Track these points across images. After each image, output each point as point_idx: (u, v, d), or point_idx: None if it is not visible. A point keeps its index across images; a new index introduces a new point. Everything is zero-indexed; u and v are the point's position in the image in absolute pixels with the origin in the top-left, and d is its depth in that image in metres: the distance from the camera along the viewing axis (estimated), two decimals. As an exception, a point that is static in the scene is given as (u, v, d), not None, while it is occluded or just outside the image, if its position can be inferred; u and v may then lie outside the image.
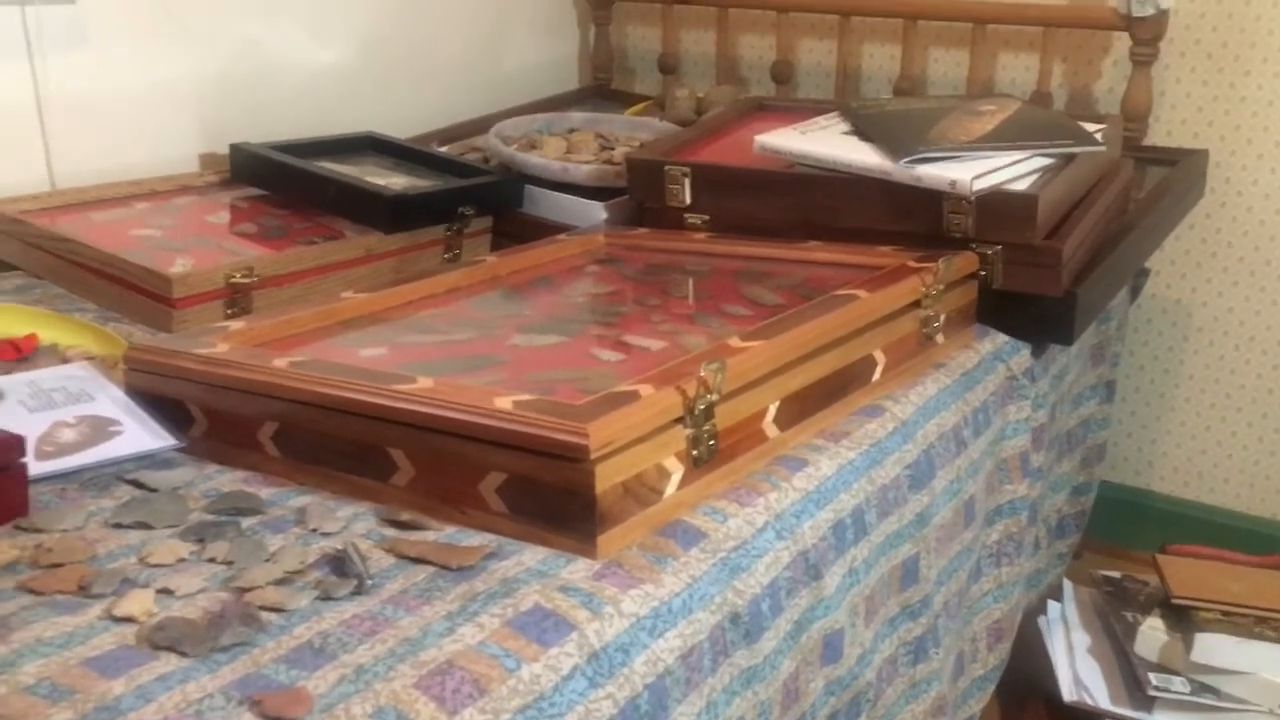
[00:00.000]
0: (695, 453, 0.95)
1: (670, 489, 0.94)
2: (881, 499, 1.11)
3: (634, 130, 1.94)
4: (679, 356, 1.05)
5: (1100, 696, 1.65)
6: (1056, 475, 1.68)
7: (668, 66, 2.38)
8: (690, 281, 1.43)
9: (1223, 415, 2.12)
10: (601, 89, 2.40)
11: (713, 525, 0.93)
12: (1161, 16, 1.88)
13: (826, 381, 1.13)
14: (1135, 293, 1.98)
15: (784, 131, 1.57)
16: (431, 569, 0.84)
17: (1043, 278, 1.37)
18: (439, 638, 0.75)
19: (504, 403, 0.90)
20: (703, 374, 0.94)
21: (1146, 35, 1.90)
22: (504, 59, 2.33)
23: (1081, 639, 1.77)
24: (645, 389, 0.93)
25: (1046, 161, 1.43)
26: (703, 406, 0.95)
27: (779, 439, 1.06)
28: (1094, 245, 1.49)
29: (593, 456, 0.84)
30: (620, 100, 2.30)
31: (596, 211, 1.64)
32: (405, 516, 0.92)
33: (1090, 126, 1.51)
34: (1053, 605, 1.84)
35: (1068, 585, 1.87)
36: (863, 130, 1.52)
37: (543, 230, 1.61)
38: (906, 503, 1.15)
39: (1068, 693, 1.67)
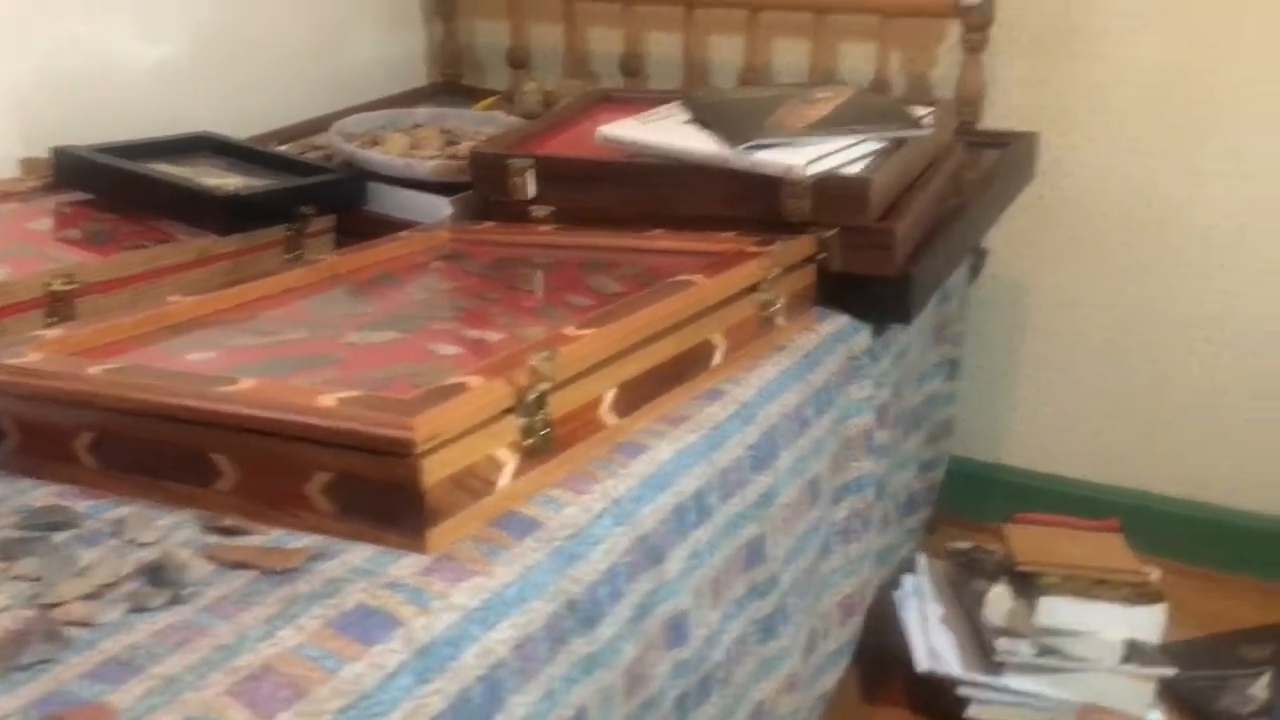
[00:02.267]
0: (529, 443, 0.95)
1: (504, 480, 0.93)
2: (724, 481, 1.12)
3: (480, 125, 1.92)
4: (515, 347, 1.05)
5: (952, 664, 1.71)
6: (904, 452, 1.72)
7: (517, 61, 2.36)
8: (535, 274, 1.43)
9: (1063, 389, 2.21)
10: (451, 85, 2.38)
11: (548, 514, 0.93)
12: (988, 4, 1.94)
13: (665, 367, 1.13)
14: (975, 272, 2.05)
15: (625, 122, 1.57)
16: (253, 574, 0.81)
17: (878, 258, 1.41)
18: (255, 643, 0.73)
19: (327, 401, 0.88)
20: (533, 363, 0.93)
21: (975, 22, 1.96)
22: (347, 55, 2.29)
23: (935, 610, 1.82)
24: (474, 380, 0.92)
25: (878, 146, 1.46)
26: (534, 396, 0.94)
27: (618, 426, 1.06)
28: (928, 226, 1.53)
29: (418, 450, 0.83)
30: (470, 96, 2.28)
31: (442, 207, 1.62)
32: (229, 522, 0.89)
33: (919, 111, 1.55)
34: (907, 579, 1.88)
35: (921, 558, 1.93)
36: (702, 119, 1.54)
37: (388, 228, 1.58)
38: (749, 484, 1.17)
39: (921, 662, 1.72)
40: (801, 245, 1.38)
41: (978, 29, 1.98)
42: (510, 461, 0.94)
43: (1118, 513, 2.05)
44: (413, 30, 2.46)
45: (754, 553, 1.18)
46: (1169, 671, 1.64)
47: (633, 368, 1.08)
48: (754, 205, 1.43)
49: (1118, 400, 2.17)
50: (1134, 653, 1.64)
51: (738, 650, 1.17)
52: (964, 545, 1.91)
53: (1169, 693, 1.77)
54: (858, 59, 2.19)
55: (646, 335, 1.10)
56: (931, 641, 1.75)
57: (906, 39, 2.15)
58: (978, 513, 2.18)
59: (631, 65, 2.26)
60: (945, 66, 2.13)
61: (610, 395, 1.05)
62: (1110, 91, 2.03)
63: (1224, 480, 2.12)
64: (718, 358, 1.22)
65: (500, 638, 0.82)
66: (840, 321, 1.45)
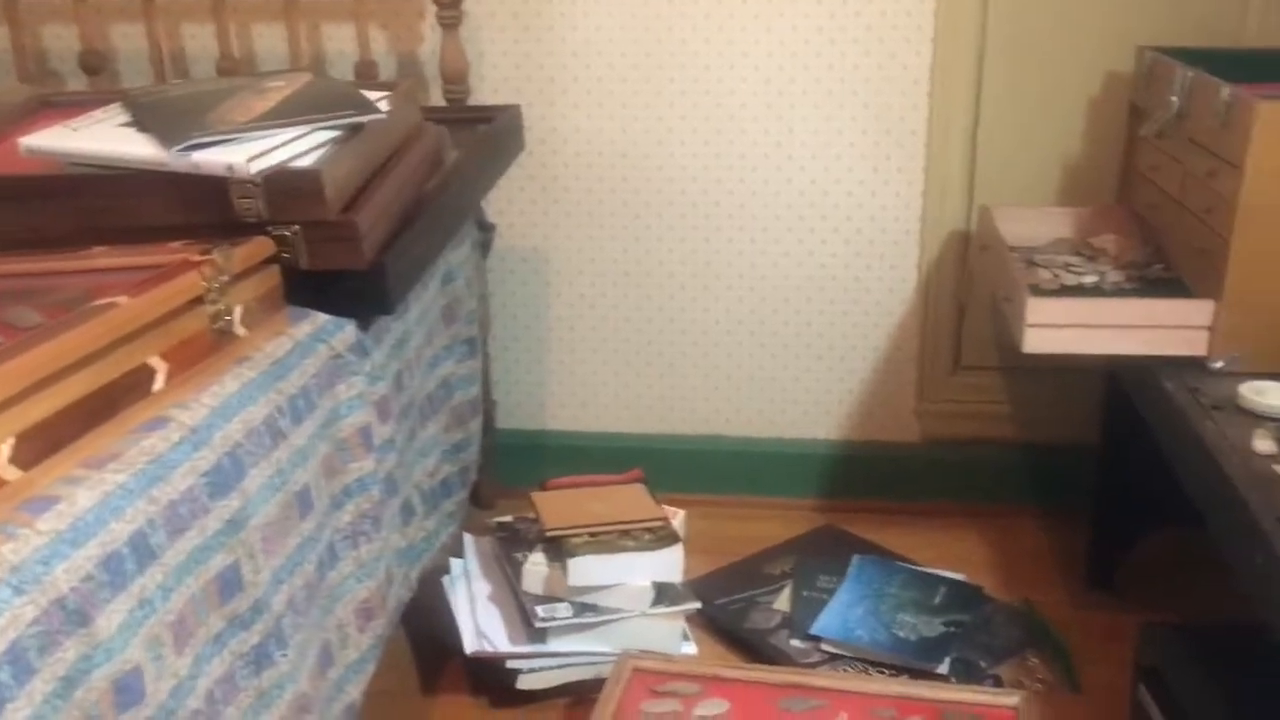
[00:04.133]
0: (-110, 522, 0.82)
1: None
2: (172, 516, 1.03)
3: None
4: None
5: (500, 640, 1.72)
6: (422, 441, 1.70)
7: (-46, 65, 2.08)
8: (-46, 312, 1.25)
9: (593, 348, 2.29)
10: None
11: (-78, 601, 0.81)
12: (456, -20, 1.94)
13: (85, 403, 1.02)
14: (485, 248, 2.06)
15: (52, 130, 1.42)
16: None
17: (345, 252, 1.35)
18: None
19: None
20: (-121, 430, 0.80)
21: (447, -1, 1.96)
22: None
23: (482, 588, 1.83)
24: None
25: (333, 134, 1.41)
26: (-114, 467, 0.81)
27: (23, 480, 0.94)
28: (402, 211, 1.50)
29: None
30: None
31: None
32: None
33: (374, 94, 1.51)
34: (455, 562, 1.88)
35: (468, 539, 1.93)
36: (140, 120, 1.41)
37: None
38: (210, 512, 1.08)
39: (469, 644, 1.72)
40: (255, 248, 1.30)
41: (450, 5, 1.97)
42: None
43: (652, 459, 2.16)
44: None
45: (229, 583, 1.11)
46: (694, 605, 1.74)
47: (38, 411, 0.97)
48: (207, 210, 1.33)
49: (637, 353, 2.27)
50: (662, 594, 1.72)
51: (225, 690, 1.10)
52: (506, 519, 1.94)
53: (704, 623, 1.89)
54: (344, 40, 2.13)
55: (53, 371, 0.98)
56: (479, 621, 1.75)
57: (387, 18, 2.11)
58: (529, 482, 2.20)
59: (92, 63, 2.06)
60: (432, 44, 2.11)
61: (7, 447, 0.93)
62: (587, 59, 2.10)
63: (735, 414, 2.29)
64: (159, 382, 1.12)
65: None
66: (319, 320, 1.38)
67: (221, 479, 1.11)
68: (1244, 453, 1.32)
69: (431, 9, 2.04)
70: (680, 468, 2.26)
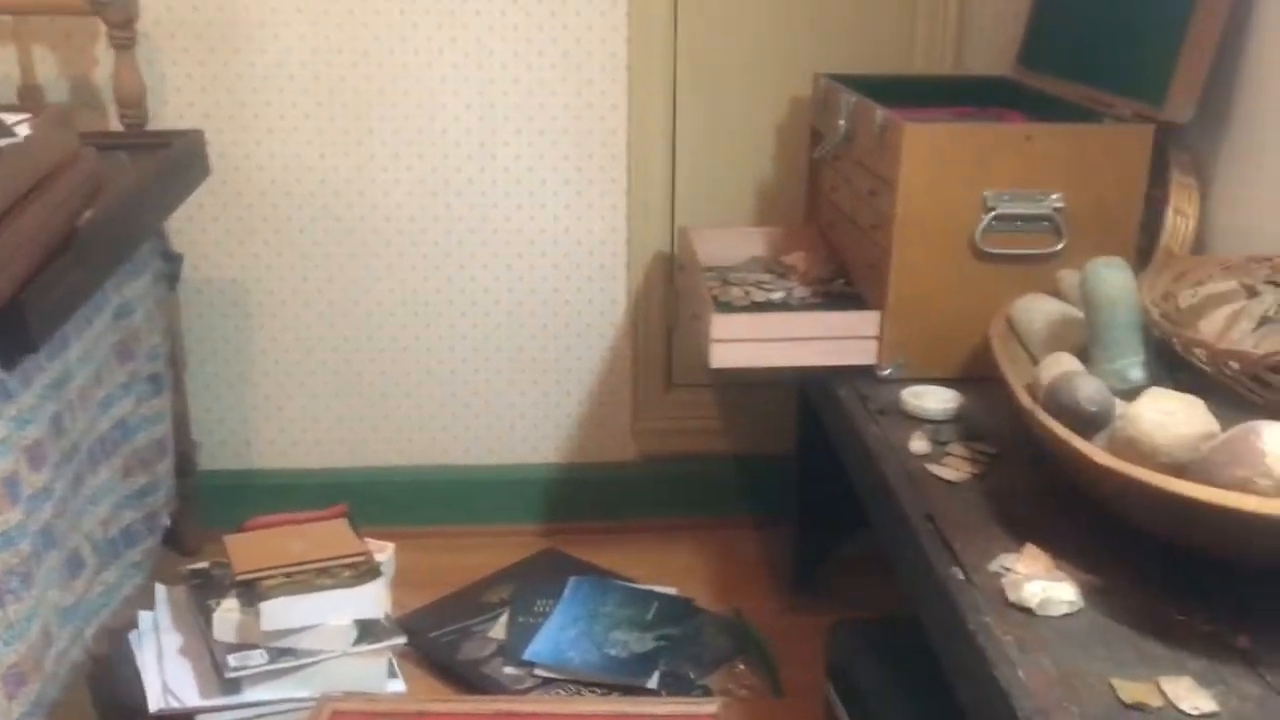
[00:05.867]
0: None
1: None
2: None
3: None
4: None
5: (190, 695, 1.62)
6: (92, 487, 1.58)
7: None
8: None
9: (299, 382, 2.20)
10: None
11: None
12: (126, 0, 1.84)
13: None
14: (172, 280, 1.95)
15: None
16: None
17: (-27, 287, 1.25)
18: None
19: None
20: None
21: (118, 19, 1.85)
22: None
23: (173, 641, 1.72)
24: None
25: (-41, 160, 1.30)
26: None
27: None
28: (49, 243, 1.39)
29: None
30: None
31: None
32: None
33: (14, 118, 1.41)
34: (144, 616, 1.76)
35: (160, 590, 1.81)
36: None
37: None
38: None
39: (154, 703, 1.61)
40: None
41: (123, 26, 1.87)
42: None
43: (368, 494, 2.11)
44: None
45: None
46: (399, 640, 1.69)
47: None
48: None
49: (347, 385, 2.21)
50: (365, 632, 1.67)
51: None
52: (201, 565, 1.83)
53: (417, 658, 1.85)
54: (9, 64, 1.98)
55: None
56: (166, 677, 1.65)
57: (56, 40, 1.98)
58: (236, 524, 2.10)
59: None
60: (108, 66, 1.99)
61: None
62: (278, 84, 2.03)
63: (452, 442, 2.25)
64: None
65: None
66: (-55, 362, 1.27)
67: None
68: (901, 453, 1.40)
69: (104, 30, 1.92)
70: (397, 501, 2.20)
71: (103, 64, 2.00)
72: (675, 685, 1.77)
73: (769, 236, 2.04)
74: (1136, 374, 1.28)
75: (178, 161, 1.80)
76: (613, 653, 1.81)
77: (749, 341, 1.65)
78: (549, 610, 1.92)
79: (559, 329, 2.20)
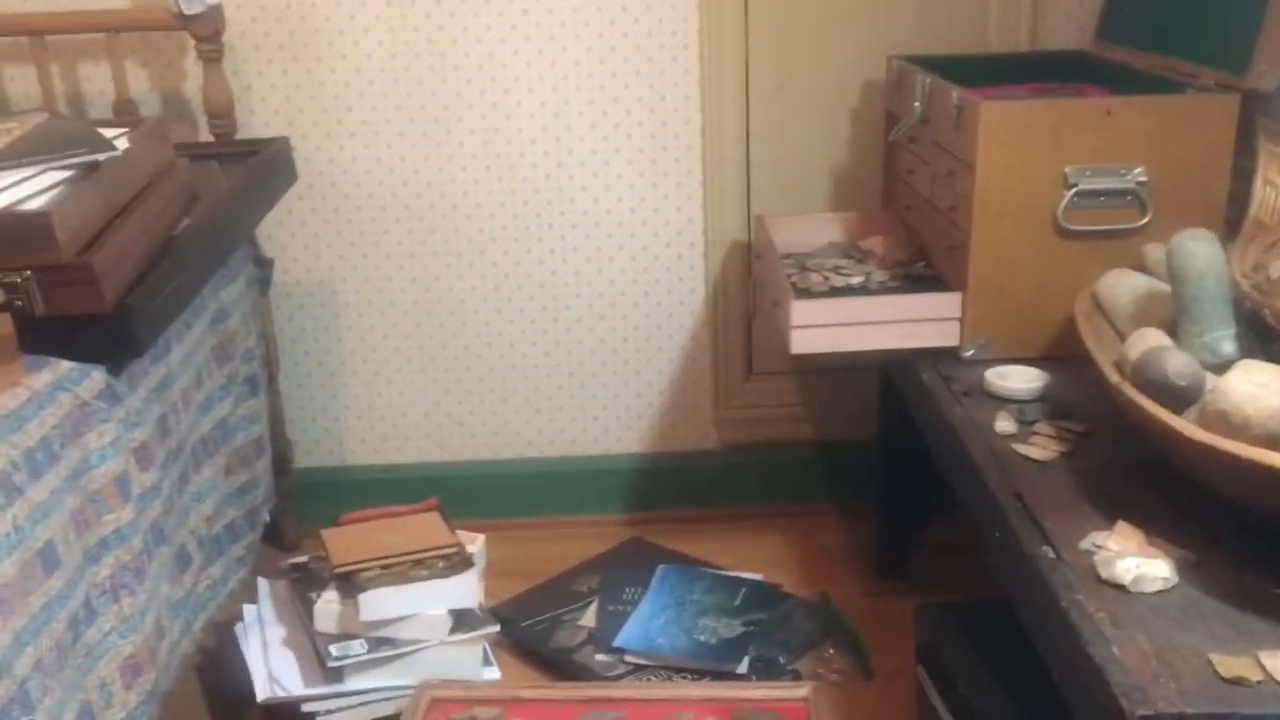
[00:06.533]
0: None
1: None
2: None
3: None
4: None
5: (294, 685, 1.67)
6: (197, 485, 1.64)
7: None
8: None
9: (388, 380, 2.26)
10: None
11: None
12: (213, 13, 1.90)
13: None
14: (264, 284, 2.01)
15: None
16: None
17: (85, 296, 1.30)
18: None
19: None
20: None
21: (205, 32, 1.91)
22: None
23: (277, 633, 1.77)
24: None
25: (65, 175, 1.36)
26: None
27: None
28: (150, 251, 1.45)
29: None
30: None
31: None
32: None
33: (113, 132, 1.47)
34: (248, 609, 1.82)
35: (262, 583, 1.87)
36: None
37: None
38: (-71, 578, 1.03)
39: (261, 692, 1.67)
40: (-19, 297, 1.24)
41: (209, 39, 1.93)
42: None
43: (457, 487, 2.15)
44: None
45: (-42, 650, 1.05)
46: (493, 629, 1.73)
47: None
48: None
49: (434, 382, 2.25)
50: (460, 621, 1.71)
51: (-41, 763, 1.04)
52: (301, 559, 1.89)
53: (509, 646, 1.88)
54: (102, 79, 2.05)
55: None
56: (272, 667, 1.70)
57: (147, 55, 2.05)
58: (335, 519, 2.16)
59: None
60: (197, 79, 2.06)
61: None
62: (359, 89, 2.08)
63: (537, 435, 2.29)
64: None
65: None
66: (61, 368, 1.32)
67: (-57, 541, 1.05)
68: (987, 434, 1.39)
69: (192, 44, 1.99)
70: (484, 493, 2.24)
71: (191, 76, 2.07)
72: (765, 670, 1.78)
73: (845, 222, 2.04)
74: (1227, 347, 1.26)
75: (266, 168, 1.86)
76: (702, 639, 1.83)
77: (829, 327, 1.65)
78: (637, 598, 1.94)
79: (639, 320, 2.22)
